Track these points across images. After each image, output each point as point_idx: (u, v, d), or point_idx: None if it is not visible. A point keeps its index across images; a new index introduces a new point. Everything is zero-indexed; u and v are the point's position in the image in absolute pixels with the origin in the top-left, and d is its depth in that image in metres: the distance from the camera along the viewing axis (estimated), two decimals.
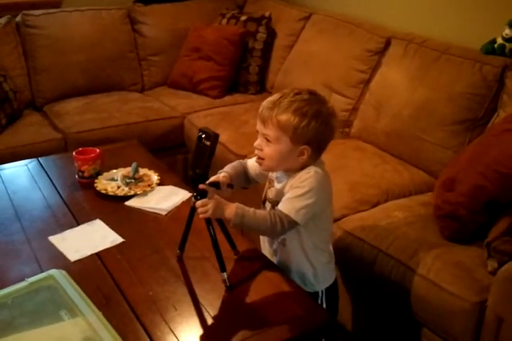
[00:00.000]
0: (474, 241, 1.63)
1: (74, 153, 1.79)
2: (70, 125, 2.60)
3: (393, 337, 1.76)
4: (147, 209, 1.64)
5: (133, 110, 2.78)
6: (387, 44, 2.44)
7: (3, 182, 1.80)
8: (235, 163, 1.44)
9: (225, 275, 1.28)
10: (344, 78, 2.56)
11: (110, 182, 1.76)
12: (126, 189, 1.72)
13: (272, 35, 3.05)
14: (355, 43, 2.55)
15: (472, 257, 1.57)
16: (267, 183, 1.42)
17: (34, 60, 2.86)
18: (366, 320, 1.84)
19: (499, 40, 2.10)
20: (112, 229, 1.52)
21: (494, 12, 2.21)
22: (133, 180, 1.76)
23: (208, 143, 1.20)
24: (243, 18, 3.07)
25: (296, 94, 1.25)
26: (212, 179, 1.30)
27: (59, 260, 1.39)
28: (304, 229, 1.33)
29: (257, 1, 3.32)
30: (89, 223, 1.56)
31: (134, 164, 1.81)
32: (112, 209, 1.64)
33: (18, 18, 2.87)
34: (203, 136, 1.21)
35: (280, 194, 1.33)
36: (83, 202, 1.69)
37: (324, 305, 1.43)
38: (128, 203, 1.67)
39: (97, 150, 1.81)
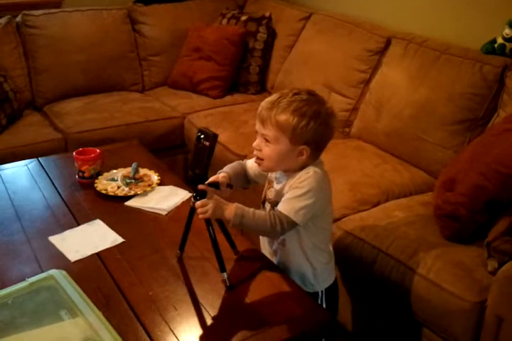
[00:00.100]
0: (474, 241, 1.63)
1: (74, 153, 1.79)
2: (71, 125, 2.60)
3: (393, 337, 1.76)
4: (147, 209, 1.64)
5: (133, 110, 2.78)
6: (388, 44, 2.44)
7: (3, 182, 1.81)
8: (234, 164, 1.44)
9: (225, 275, 1.28)
10: (344, 78, 2.56)
11: (110, 183, 1.76)
12: (127, 189, 1.72)
13: (272, 35, 3.05)
14: (356, 43, 2.55)
15: (472, 257, 1.57)
16: (267, 184, 1.42)
17: (34, 60, 2.86)
18: (366, 320, 1.84)
19: (499, 40, 2.10)
20: (112, 229, 1.53)
21: (494, 12, 2.20)
22: (133, 180, 1.76)
23: (207, 143, 1.20)
24: (243, 18, 3.07)
25: (295, 94, 1.25)
26: (211, 179, 1.30)
27: (59, 260, 1.39)
28: (303, 229, 1.33)
29: (258, 1, 3.32)
30: (90, 223, 1.56)
31: (134, 164, 1.81)
32: (112, 210, 1.64)
33: (19, 18, 2.87)
34: (202, 136, 1.21)
35: (279, 194, 1.33)
36: (83, 202, 1.69)
37: (324, 305, 1.43)
38: (128, 203, 1.67)
39: (98, 151, 1.81)
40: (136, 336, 1.14)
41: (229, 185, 1.35)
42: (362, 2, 2.83)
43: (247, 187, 1.48)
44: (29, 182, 1.82)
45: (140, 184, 1.75)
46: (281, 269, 1.38)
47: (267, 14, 3.06)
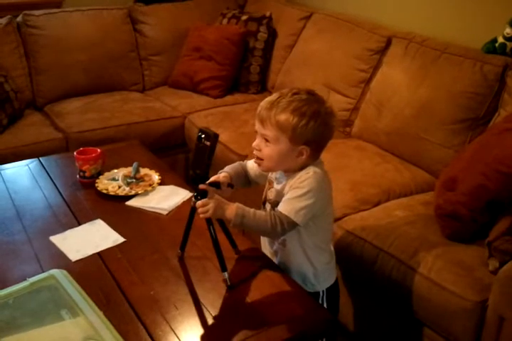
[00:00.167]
0: (475, 240, 1.63)
1: (75, 153, 1.79)
2: (71, 125, 2.60)
3: (394, 337, 1.76)
4: (148, 209, 1.64)
5: (134, 110, 2.78)
6: (388, 43, 2.44)
7: (4, 182, 1.81)
8: (235, 164, 1.44)
9: (225, 274, 1.28)
10: (345, 77, 2.55)
11: (111, 182, 1.76)
12: (127, 189, 1.72)
13: (272, 34, 3.05)
14: (356, 42, 2.55)
15: (473, 256, 1.57)
16: (267, 184, 1.42)
17: (35, 60, 2.87)
18: (367, 320, 1.84)
19: (500, 39, 2.10)
20: (113, 229, 1.53)
21: (495, 11, 2.20)
22: (134, 180, 1.76)
23: (208, 143, 1.20)
24: (244, 17, 3.07)
25: (295, 94, 1.25)
26: (212, 179, 1.30)
27: (60, 260, 1.39)
28: (304, 229, 1.33)
29: (258, 0, 3.32)
30: (90, 223, 1.56)
31: (135, 164, 1.82)
32: (113, 209, 1.64)
33: (19, 18, 2.87)
34: (203, 136, 1.21)
35: (280, 194, 1.33)
36: (84, 202, 1.69)
37: (325, 305, 1.43)
38: (129, 203, 1.67)
39: (98, 150, 1.81)
40: (137, 335, 1.14)
41: (230, 185, 1.35)
42: (362, 1, 2.83)
43: (247, 187, 1.47)
44: (30, 182, 1.82)
45: (141, 184, 1.76)
46: (282, 269, 1.38)
47: (268, 14, 3.06)
